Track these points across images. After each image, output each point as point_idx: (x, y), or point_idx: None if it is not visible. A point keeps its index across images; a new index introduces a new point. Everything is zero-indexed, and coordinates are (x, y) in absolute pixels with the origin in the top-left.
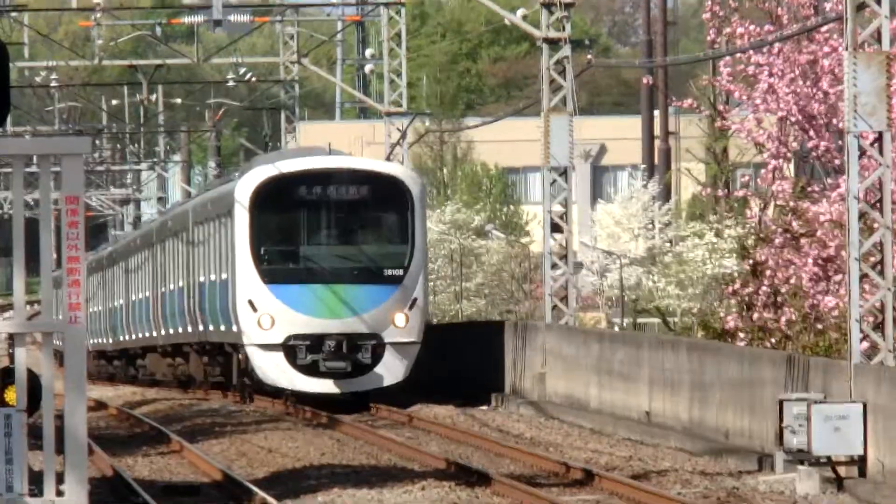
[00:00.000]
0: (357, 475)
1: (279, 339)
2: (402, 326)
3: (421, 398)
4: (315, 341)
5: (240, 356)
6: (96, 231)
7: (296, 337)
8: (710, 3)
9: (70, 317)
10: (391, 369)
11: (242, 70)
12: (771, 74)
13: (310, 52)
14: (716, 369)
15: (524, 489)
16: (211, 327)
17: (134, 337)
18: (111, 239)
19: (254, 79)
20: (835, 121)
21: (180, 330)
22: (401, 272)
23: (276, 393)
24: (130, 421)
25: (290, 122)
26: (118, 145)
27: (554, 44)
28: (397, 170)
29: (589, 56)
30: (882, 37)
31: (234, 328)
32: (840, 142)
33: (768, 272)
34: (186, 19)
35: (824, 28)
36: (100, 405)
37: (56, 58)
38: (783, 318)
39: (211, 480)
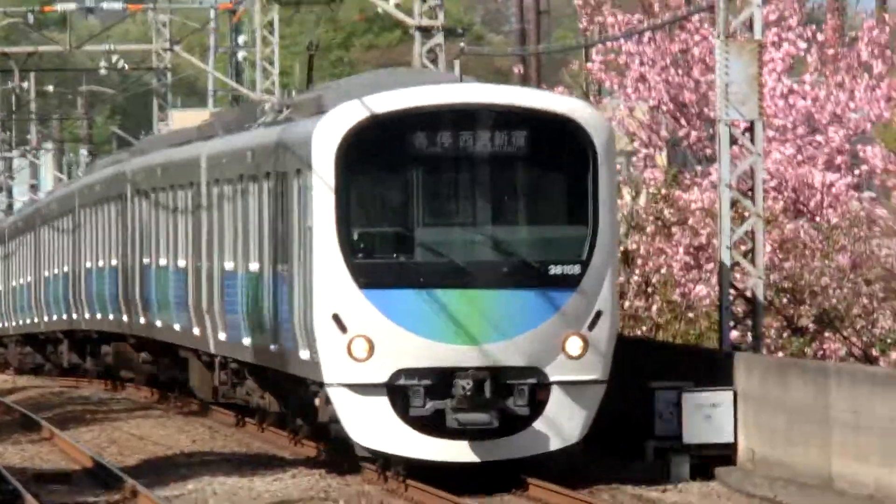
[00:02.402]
0: (228, 463)
1: (382, 378)
2: (577, 356)
3: None
4: (440, 380)
5: (309, 396)
6: None
7: (409, 373)
8: None
9: None
10: (561, 425)
11: (115, 58)
12: (642, 63)
13: (183, 39)
14: None
15: None
16: (249, 340)
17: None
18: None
19: (126, 67)
20: (706, 110)
21: (177, 328)
22: (577, 270)
23: (151, 382)
24: (0, 408)
25: (162, 110)
26: None
27: (426, 32)
28: (573, 107)
29: (462, 44)
30: (754, 25)
31: (303, 354)
32: (712, 130)
33: (640, 261)
34: (59, 6)
35: (696, 17)
36: None
37: None
38: (654, 307)
39: (82, 468)
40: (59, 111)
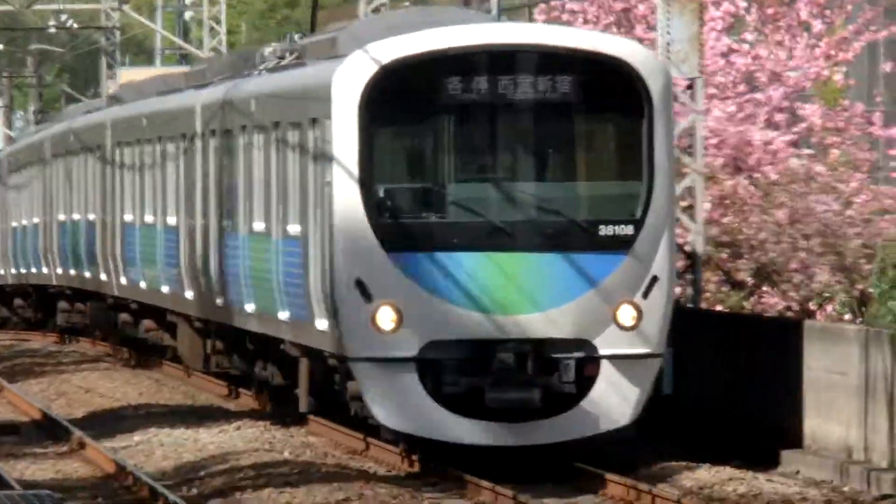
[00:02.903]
0: (174, 415)
1: (411, 351)
2: (630, 326)
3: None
4: (476, 354)
5: (337, 377)
6: None
7: (441, 346)
8: None
9: None
10: (611, 404)
11: (64, 17)
12: (585, 21)
13: None
14: None
15: None
16: (252, 306)
17: None
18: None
19: (75, 26)
20: None
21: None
22: (630, 231)
23: (105, 336)
24: None
25: (111, 68)
26: None
27: None
28: (627, 49)
29: (406, 3)
30: None
31: (319, 324)
32: None
33: None
34: None
35: None
36: None
37: None
38: None
39: (30, 420)
40: (8, 70)
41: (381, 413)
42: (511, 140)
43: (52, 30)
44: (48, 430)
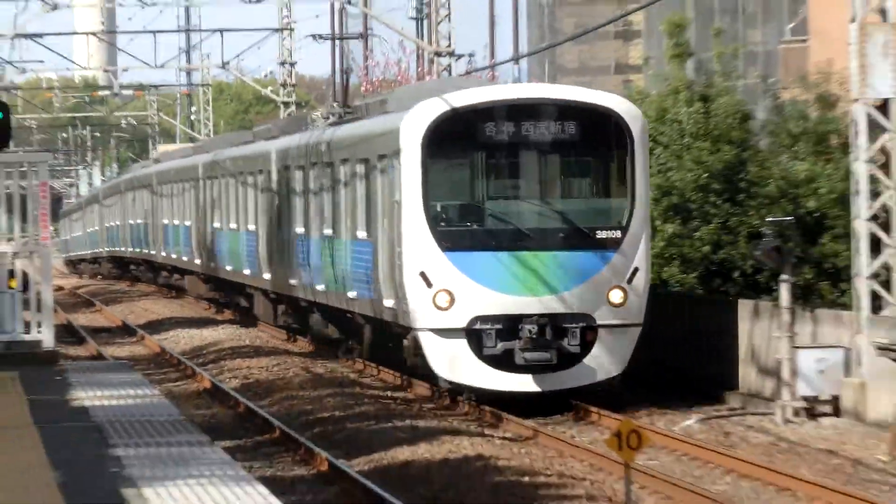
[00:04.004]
0: (190, 322)
1: (461, 323)
2: (619, 304)
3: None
4: (508, 325)
5: (406, 341)
6: (55, 201)
7: (483, 319)
8: None
9: (42, 240)
10: (605, 361)
11: (128, 118)
12: None
13: (163, 109)
14: None
15: None
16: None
17: (181, 258)
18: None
19: (135, 122)
20: None
21: (247, 273)
22: (618, 234)
23: (152, 280)
24: (75, 296)
25: (153, 145)
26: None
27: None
28: (614, 102)
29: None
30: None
31: (387, 302)
32: None
33: None
34: (101, 93)
35: None
36: (60, 288)
37: None
38: None
39: (116, 325)
40: (101, 145)
41: (439, 368)
42: (531, 169)
43: (123, 124)
44: (125, 330)
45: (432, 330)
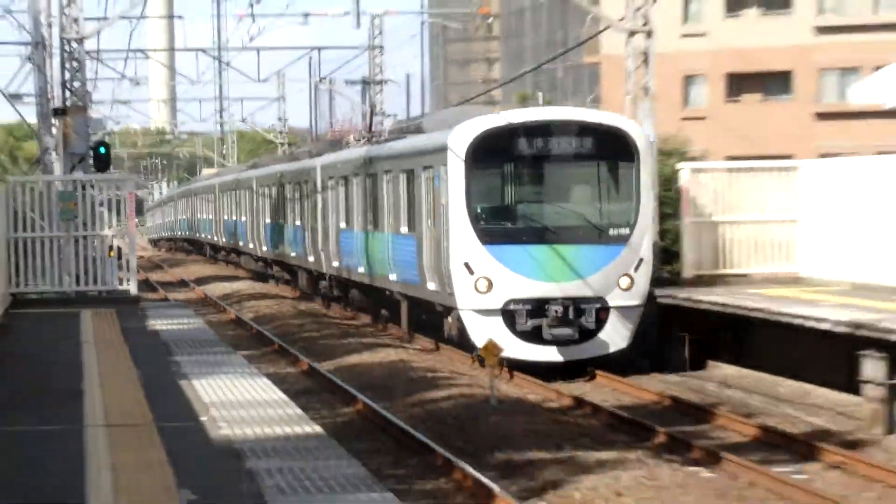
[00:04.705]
0: (223, 278)
1: (498, 304)
2: (626, 288)
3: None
4: (536, 306)
5: (450, 319)
6: (139, 204)
7: (515, 301)
8: None
9: (129, 228)
10: (616, 335)
11: (185, 153)
12: None
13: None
14: None
15: None
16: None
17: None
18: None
19: (189, 155)
20: None
21: (307, 258)
22: (627, 231)
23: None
24: (152, 262)
25: (198, 169)
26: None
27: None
28: (622, 121)
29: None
30: None
31: (430, 286)
32: None
33: None
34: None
35: None
36: (141, 257)
37: None
38: None
39: (176, 280)
40: (166, 169)
41: (479, 341)
42: (555, 176)
43: (180, 156)
44: (182, 283)
45: (474, 310)
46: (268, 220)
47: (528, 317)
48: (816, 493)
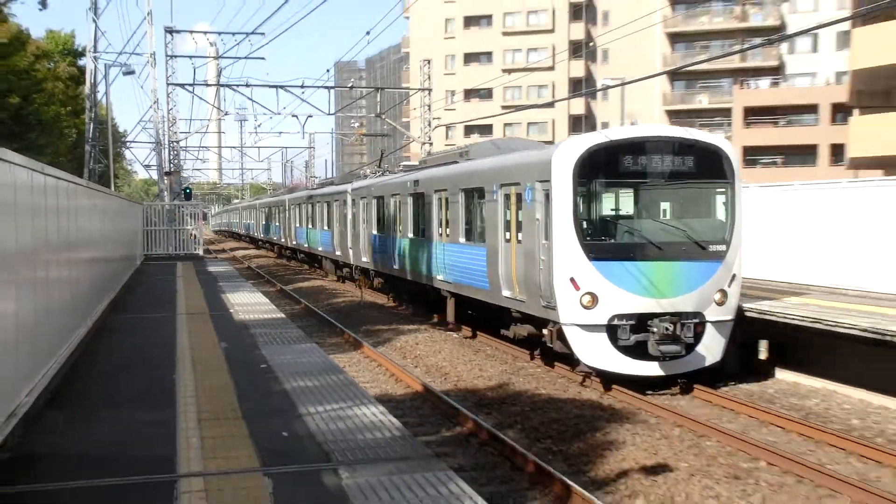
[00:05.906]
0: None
1: (602, 320)
2: (721, 304)
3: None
4: (639, 321)
5: (551, 330)
6: (204, 216)
7: (619, 317)
8: None
9: (199, 224)
10: (711, 349)
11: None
12: None
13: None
14: None
15: None
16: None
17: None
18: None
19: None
20: None
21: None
22: (724, 248)
23: (248, 242)
24: (212, 242)
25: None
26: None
27: None
28: (719, 141)
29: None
30: None
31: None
32: None
33: None
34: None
35: None
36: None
37: None
38: None
39: (225, 249)
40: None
41: (583, 356)
42: (657, 193)
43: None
44: (232, 258)
45: (578, 325)
46: (298, 225)
47: (631, 332)
48: None
